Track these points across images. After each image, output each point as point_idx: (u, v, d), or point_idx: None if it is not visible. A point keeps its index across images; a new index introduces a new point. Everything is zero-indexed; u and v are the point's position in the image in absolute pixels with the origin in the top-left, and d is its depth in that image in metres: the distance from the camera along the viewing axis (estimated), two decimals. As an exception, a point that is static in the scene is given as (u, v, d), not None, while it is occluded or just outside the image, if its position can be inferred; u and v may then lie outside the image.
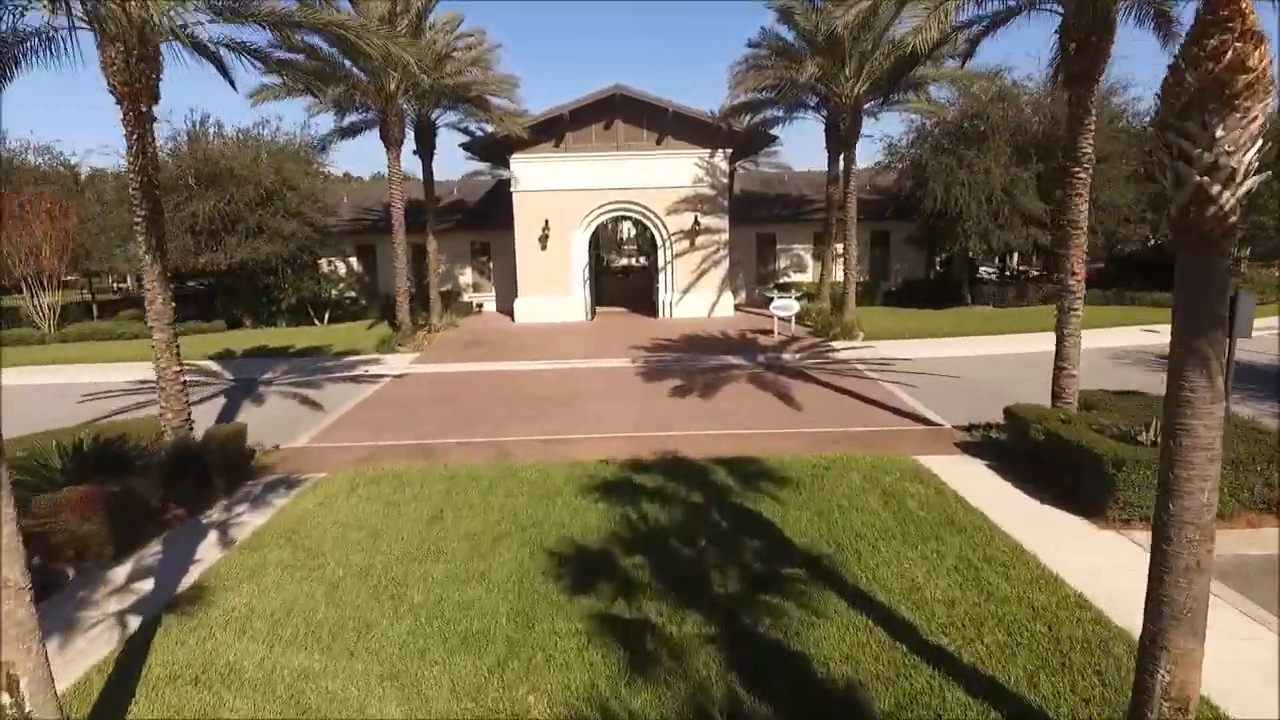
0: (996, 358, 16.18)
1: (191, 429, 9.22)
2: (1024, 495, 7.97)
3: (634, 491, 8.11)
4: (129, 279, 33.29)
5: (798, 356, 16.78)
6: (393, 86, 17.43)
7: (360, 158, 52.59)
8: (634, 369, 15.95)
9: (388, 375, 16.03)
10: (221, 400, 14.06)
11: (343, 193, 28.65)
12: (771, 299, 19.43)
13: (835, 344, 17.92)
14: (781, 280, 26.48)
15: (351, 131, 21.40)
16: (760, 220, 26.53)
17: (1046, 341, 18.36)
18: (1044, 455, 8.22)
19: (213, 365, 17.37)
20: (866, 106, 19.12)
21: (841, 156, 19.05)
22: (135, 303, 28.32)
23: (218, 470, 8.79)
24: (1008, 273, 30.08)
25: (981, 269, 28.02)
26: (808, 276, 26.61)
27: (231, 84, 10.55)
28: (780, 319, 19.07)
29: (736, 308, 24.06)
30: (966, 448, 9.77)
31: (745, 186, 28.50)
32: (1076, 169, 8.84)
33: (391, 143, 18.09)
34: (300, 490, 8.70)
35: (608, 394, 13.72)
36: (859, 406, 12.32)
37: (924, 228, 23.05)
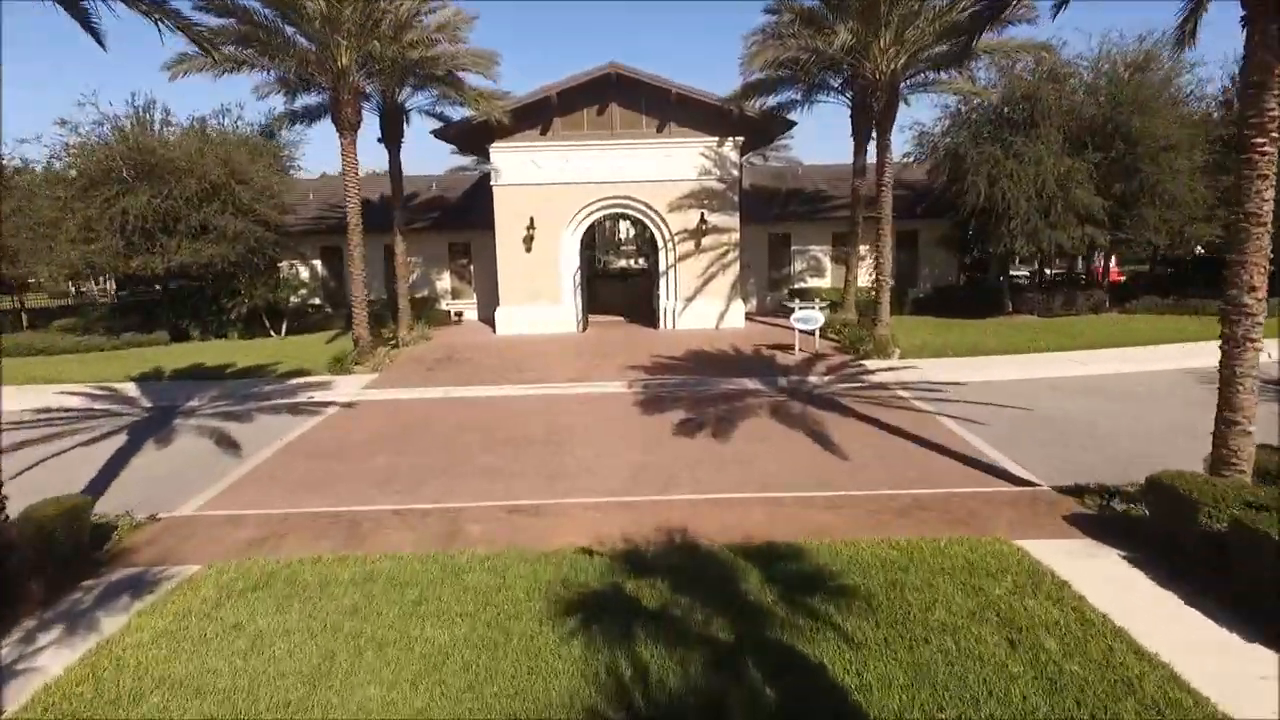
0: (1065, 382, 13.63)
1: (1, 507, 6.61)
2: (1212, 623, 5.39)
3: (627, 616, 5.53)
4: (103, 283, 30.76)
5: (827, 379, 14.20)
6: (344, 59, 14.86)
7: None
8: (631, 395, 13.37)
9: (334, 404, 13.45)
10: (119, 439, 11.46)
11: (309, 189, 26.07)
12: (790, 308, 16.84)
13: (868, 363, 15.35)
14: (797, 285, 23.93)
15: (307, 116, 18.88)
16: (773, 219, 23.96)
17: (1117, 361, 15.86)
18: (1230, 554, 5.65)
19: (131, 390, 14.77)
20: (904, 85, 16.55)
21: (873, 143, 16.44)
22: (73, 311, 25.78)
23: (35, 569, 6.21)
24: (1045, 276, 27.59)
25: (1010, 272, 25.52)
26: (826, 281, 24.06)
27: (97, 39, 8.00)
28: (802, 332, 16.49)
29: (747, 317, 21.52)
30: (1086, 525, 7.19)
31: (755, 181, 25.95)
32: (1259, 139, 6.25)
33: (345, 126, 15.51)
34: (149, 602, 6.11)
35: (598, 431, 11.14)
36: (918, 453, 9.74)
37: (960, 227, 20.50)
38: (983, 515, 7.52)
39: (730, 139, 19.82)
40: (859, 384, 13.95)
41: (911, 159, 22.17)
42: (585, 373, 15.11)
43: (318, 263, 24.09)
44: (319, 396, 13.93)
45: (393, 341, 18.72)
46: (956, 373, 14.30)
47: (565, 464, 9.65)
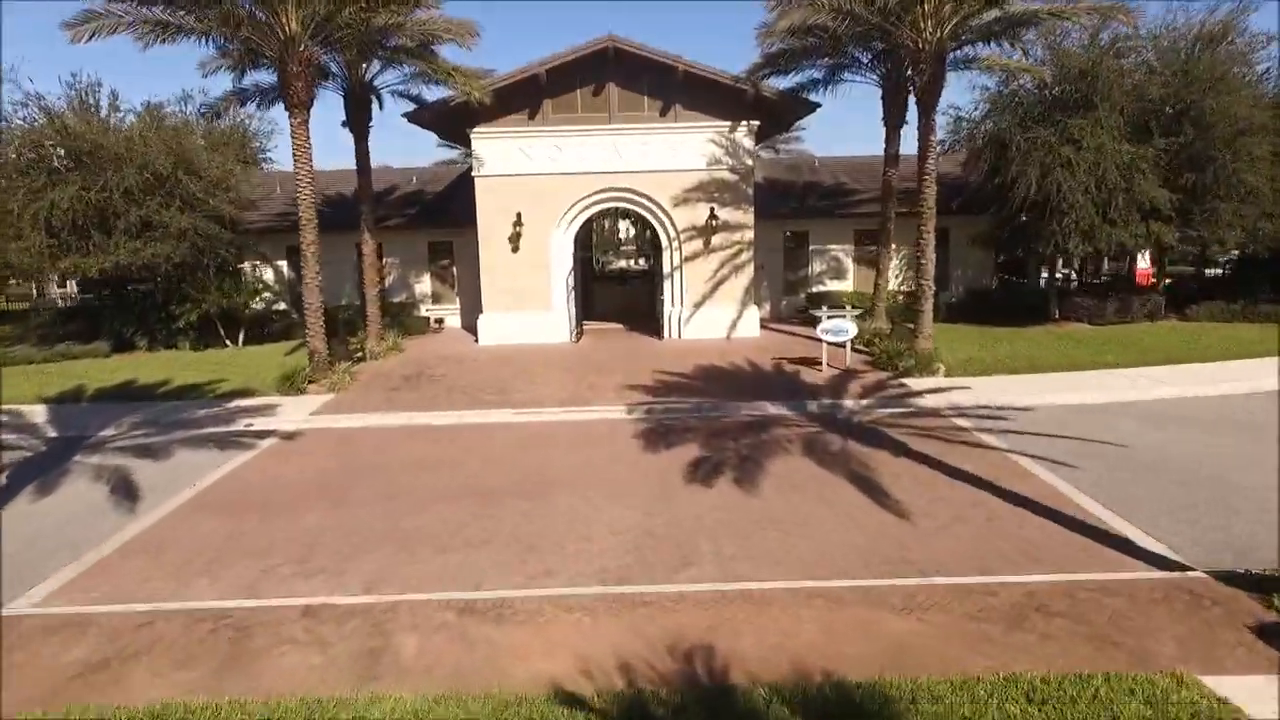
0: (1145, 407, 11.47)
1: None
2: None
3: None
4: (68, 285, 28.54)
5: (866, 404, 12.02)
6: (292, 23, 12.68)
7: (330, 148, 47.44)
8: (632, 424, 11.19)
9: (275, 433, 11.29)
10: (-7, 485, 9.28)
11: (277, 182, 23.88)
12: (816, 316, 14.63)
13: (910, 382, 13.17)
14: (815, 289, 21.77)
15: (260, 97, 16.71)
16: (787, 215, 21.76)
17: (1193, 379, 13.07)
18: None
19: (38, 414, 12.59)
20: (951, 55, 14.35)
21: (908, 128, 14.25)
22: (19, 317, 23.55)
23: None
24: (1083, 279, 25.43)
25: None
26: (848, 284, 21.89)
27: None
28: (831, 345, 14.29)
29: (762, 325, 19.32)
30: (1291, 646, 5.00)
31: (767, 174, 23.75)
32: None
33: (295, 104, 13.32)
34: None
35: (590, 476, 8.96)
36: (1004, 511, 7.56)
37: (1003, 223, 18.27)
38: (1134, 625, 5.33)
39: (744, 124, 17.64)
40: (905, 409, 11.77)
41: (944, 148, 19.95)
42: (577, 394, 12.92)
43: (283, 264, 21.90)
44: (259, 424, 11.75)
45: (359, 354, 16.55)
46: (1016, 395, 12.12)
47: (545, 528, 7.46)
